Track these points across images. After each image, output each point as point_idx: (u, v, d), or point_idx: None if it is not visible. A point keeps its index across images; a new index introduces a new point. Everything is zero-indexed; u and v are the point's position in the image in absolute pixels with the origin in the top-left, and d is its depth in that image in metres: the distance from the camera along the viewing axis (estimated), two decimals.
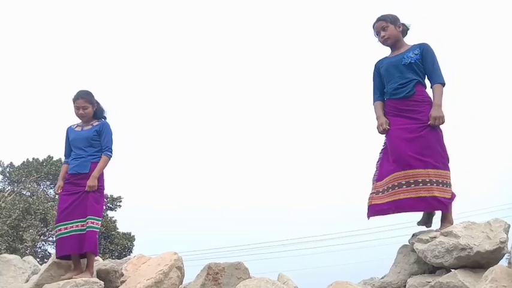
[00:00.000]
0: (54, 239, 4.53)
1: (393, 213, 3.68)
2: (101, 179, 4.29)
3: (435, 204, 3.56)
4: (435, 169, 3.58)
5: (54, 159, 17.65)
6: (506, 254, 3.41)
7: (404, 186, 3.59)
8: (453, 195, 3.63)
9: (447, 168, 3.64)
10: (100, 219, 4.29)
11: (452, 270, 3.36)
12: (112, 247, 16.35)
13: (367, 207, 3.80)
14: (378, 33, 3.96)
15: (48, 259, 4.52)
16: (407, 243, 3.76)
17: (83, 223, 4.14)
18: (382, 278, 3.79)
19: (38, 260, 12.58)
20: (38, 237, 16.02)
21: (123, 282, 4.11)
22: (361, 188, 3.90)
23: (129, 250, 16.67)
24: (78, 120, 4.50)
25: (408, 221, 3.95)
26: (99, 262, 4.46)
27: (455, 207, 3.68)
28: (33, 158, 18.22)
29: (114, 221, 17.27)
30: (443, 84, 3.73)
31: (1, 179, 18.23)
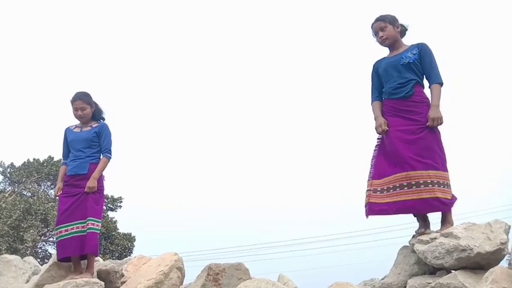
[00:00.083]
0: (55, 240, 4.52)
1: (394, 214, 3.68)
2: (100, 180, 4.29)
3: (437, 205, 3.56)
4: (436, 170, 3.58)
5: (55, 159, 17.64)
6: (507, 255, 3.41)
7: (405, 188, 3.60)
8: (454, 198, 3.62)
9: (446, 169, 3.65)
10: (100, 220, 4.29)
11: (452, 271, 3.35)
12: (112, 248, 16.35)
13: (364, 204, 3.79)
14: (376, 34, 3.97)
15: (48, 259, 4.53)
16: (408, 244, 3.75)
17: (83, 224, 4.14)
18: (382, 279, 3.79)
19: (39, 260, 12.58)
20: (39, 237, 16.03)
21: (123, 282, 4.11)
22: (361, 188, 3.91)
23: (130, 251, 16.68)
24: (77, 121, 4.49)
25: (408, 222, 3.95)
26: (100, 263, 4.46)
27: (455, 208, 3.68)
28: (33, 159, 18.23)
29: (115, 222, 17.27)
30: (441, 84, 3.74)
31: (2, 180, 18.26)
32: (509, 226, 3.45)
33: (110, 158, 4.33)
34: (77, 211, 4.16)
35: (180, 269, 4.17)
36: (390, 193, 3.67)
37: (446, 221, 3.62)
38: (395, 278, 3.65)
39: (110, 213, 17.61)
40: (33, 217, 15.78)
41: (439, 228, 3.62)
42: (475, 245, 3.26)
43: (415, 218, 3.80)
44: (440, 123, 3.67)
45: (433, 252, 3.38)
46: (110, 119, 4.55)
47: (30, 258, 5.14)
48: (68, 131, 4.48)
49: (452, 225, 3.58)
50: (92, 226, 4.14)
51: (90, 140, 4.32)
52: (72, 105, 4.40)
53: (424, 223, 3.71)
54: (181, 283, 4.20)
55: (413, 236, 3.73)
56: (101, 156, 4.34)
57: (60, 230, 4.19)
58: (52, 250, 16.71)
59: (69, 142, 4.41)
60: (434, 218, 3.75)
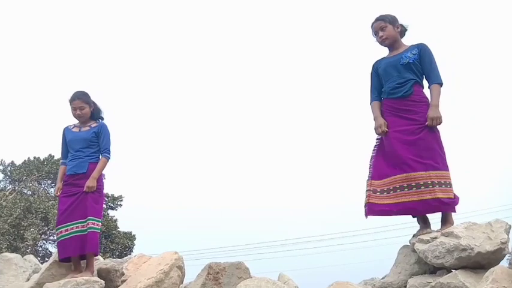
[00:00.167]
0: (56, 239, 4.52)
1: (394, 215, 3.69)
2: (100, 179, 4.29)
3: (438, 206, 3.56)
4: (436, 170, 3.58)
5: (55, 158, 17.62)
6: (507, 255, 3.41)
7: (405, 189, 3.60)
8: (457, 198, 3.62)
9: (447, 168, 3.65)
10: (100, 219, 4.29)
11: (453, 270, 3.36)
12: (113, 246, 16.35)
13: (364, 204, 3.79)
14: (376, 33, 3.97)
15: (49, 258, 4.53)
16: (408, 244, 3.75)
17: (83, 224, 4.14)
18: (382, 278, 3.79)
19: (39, 258, 12.60)
20: (39, 236, 16.03)
21: (123, 281, 4.11)
22: (361, 188, 3.91)
23: (130, 249, 16.68)
24: (75, 121, 4.49)
25: (408, 222, 3.94)
26: (100, 261, 4.46)
27: (457, 208, 3.67)
28: (34, 157, 18.23)
29: (115, 220, 17.27)
30: (440, 84, 3.75)
31: (2, 178, 18.26)
32: (510, 226, 3.44)
33: (109, 158, 4.33)
34: (77, 210, 4.16)
35: (181, 268, 4.17)
36: (390, 194, 3.67)
37: (446, 220, 3.62)
38: (396, 277, 3.65)
39: (111, 212, 17.62)
40: (34, 215, 15.78)
41: (439, 227, 3.63)
42: (475, 245, 3.26)
43: (415, 218, 3.80)
44: (440, 123, 3.67)
45: (433, 252, 3.38)
46: (111, 119, 4.56)
47: (31, 257, 5.13)
48: (66, 130, 4.47)
49: (453, 224, 3.58)
50: (93, 225, 4.14)
51: (89, 140, 4.32)
52: (70, 104, 4.40)
53: (425, 224, 3.71)
54: (182, 282, 4.20)
55: (414, 235, 3.73)
56: (100, 156, 4.34)
57: (60, 230, 4.19)
58: (52, 248, 16.74)
59: (68, 142, 4.40)
60: (435, 218, 3.75)
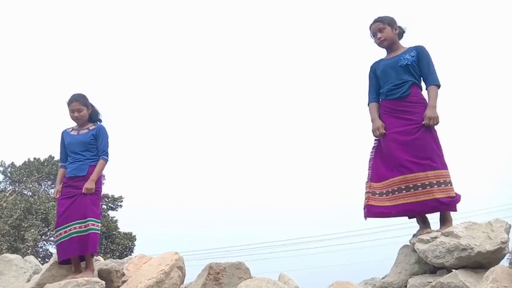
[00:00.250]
0: (55, 241, 4.52)
1: (393, 217, 3.71)
2: (98, 181, 4.29)
3: (436, 206, 3.56)
4: (434, 170, 3.58)
5: (56, 159, 17.63)
6: (508, 254, 3.41)
7: (404, 191, 3.61)
8: (458, 196, 3.62)
9: (446, 167, 3.65)
10: (99, 221, 4.29)
11: (453, 270, 3.36)
12: (113, 247, 16.37)
13: (363, 206, 3.80)
14: (374, 35, 3.98)
15: (49, 259, 4.53)
16: (408, 243, 3.76)
17: (81, 224, 4.13)
18: (383, 278, 3.79)
19: (40, 259, 12.60)
20: (39, 237, 16.04)
21: (124, 282, 4.11)
22: (361, 188, 3.91)
23: (130, 250, 16.70)
24: (73, 124, 4.48)
25: (407, 222, 3.95)
26: (101, 262, 4.47)
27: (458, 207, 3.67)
28: (34, 158, 18.25)
29: (115, 221, 17.29)
30: (438, 86, 3.75)
31: (2, 179, 18.29)
32: (510, 225, 3.45)
33: (107, 160, 4.33)
34: (75, 212, 4.15)
35: (181, 268, 4.17)
36: (389, 197, 3.68)
37: (445, 219, 3.62)
38: (396, 277, 3.65)
39: (111, 213, 17.64)
40: (34, 216, 15.79)
41: (438, 227, 3.63)
42: (475, 244, 3.26)
43: (415, 219, 3.80)
44: (437, 123, 3.68)
45: (433, 252, 3.38)
46: (111, 119, 4.58)
47: (31, 258, 5.14)
48: (65, 133, 4.46)
49: (452, 224, 3.58)
50: (93, 227, 4.14)
51: (87, 143, 4.32)
52: (68, 107, 4.39)
53: (424, 224, 3.71)
54: (182, 282, 4.20)
55: (414, 235, 3.73)
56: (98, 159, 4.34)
57: (59, 232, 4.18)
58: (53, 249, 16.73)
59: (67, 145, 4.39)
60: (434, 218, 3.75)
